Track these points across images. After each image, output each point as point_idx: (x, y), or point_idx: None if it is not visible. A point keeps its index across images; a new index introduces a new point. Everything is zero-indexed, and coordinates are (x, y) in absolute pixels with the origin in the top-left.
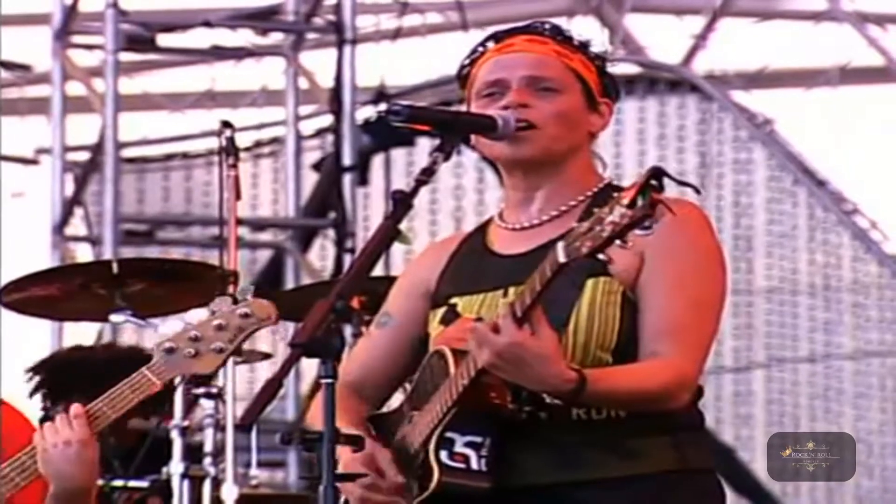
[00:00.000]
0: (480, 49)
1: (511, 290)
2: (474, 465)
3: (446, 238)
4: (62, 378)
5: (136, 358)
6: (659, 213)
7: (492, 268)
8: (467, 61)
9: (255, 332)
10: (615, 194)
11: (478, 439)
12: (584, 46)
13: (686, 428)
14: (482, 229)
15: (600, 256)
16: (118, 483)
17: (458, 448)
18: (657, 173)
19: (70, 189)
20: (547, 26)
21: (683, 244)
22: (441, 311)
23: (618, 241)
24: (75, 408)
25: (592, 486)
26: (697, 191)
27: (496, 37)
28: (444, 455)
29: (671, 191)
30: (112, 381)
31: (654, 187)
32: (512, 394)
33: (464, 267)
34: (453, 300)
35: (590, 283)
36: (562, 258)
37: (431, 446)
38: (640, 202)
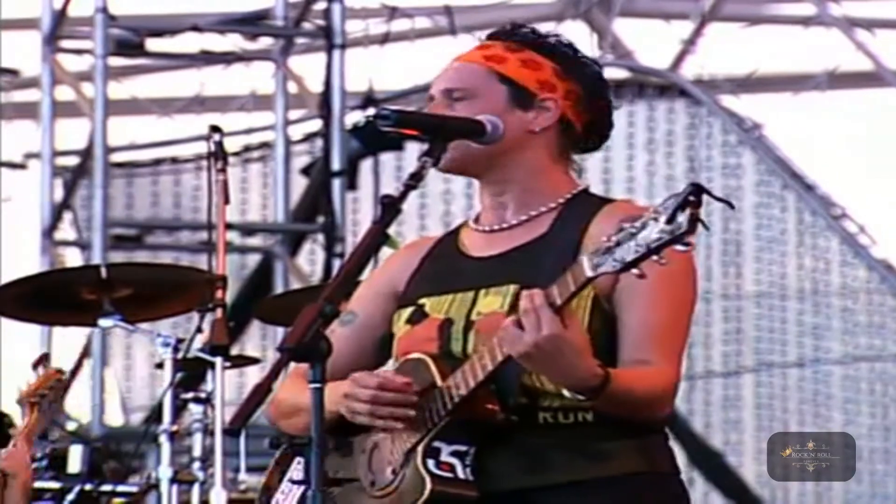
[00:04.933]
0: None
1: (481, 292)
2: (460, 473)
3: (417, 240)
4: None
5: None
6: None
7: (462, 269)
8: None
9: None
10: (650, 208)
11: (463, 448)
12: (535, 44)
13: (652, 432)
14: (455, 232)
15: (634, 271)
16: (106, 488)
17: (444, 457)
18: (697, 189)
19: (59, 194)
20: (512, 28)
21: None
22: (408, 311)
23: (654, 257)
24: None
25: (561, 490)
26: (731, 206)
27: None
28: (431, 464)
29: (661, 195)
30: None
31: (693, 203)
32: (500, 402)
33: (434, 269)
34: (422, 301)
35: None
36: (589, 272)
37: (419, 456)
38: (679, 218)
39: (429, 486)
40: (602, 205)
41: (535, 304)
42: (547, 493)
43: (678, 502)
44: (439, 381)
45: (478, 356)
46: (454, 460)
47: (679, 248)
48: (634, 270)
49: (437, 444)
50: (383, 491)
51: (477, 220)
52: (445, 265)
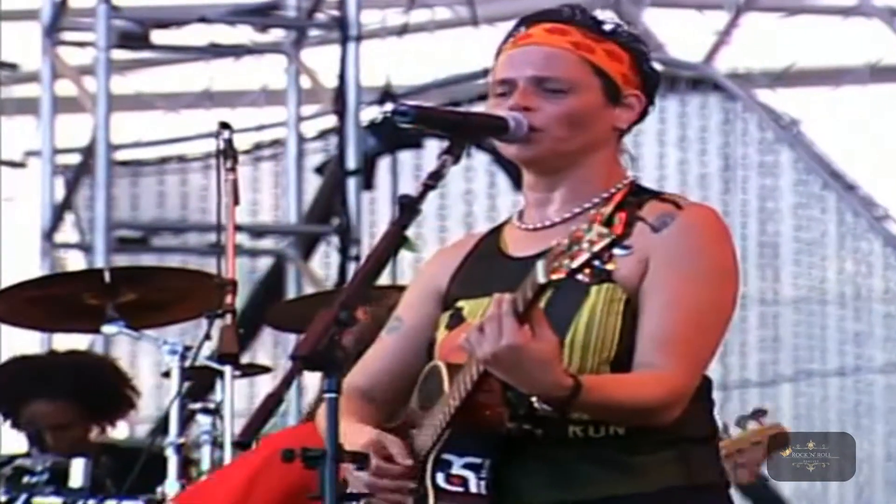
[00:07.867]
0: (511, 36)
1: None
2: (473, 487)
3: (461, 239)
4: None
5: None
6: (635, 231)
7: (501, 270)
8: (498, 50)
9: None
10: (592, 211)
11: (477, 460)
12: (613, 33)
13: (693, 440)
14: (498, 230)
15: (579, 277)
16: (111, 502)
17: (456, 470)
18: (635, 190)
19: (60, 193)
20: (577, 12)
21: (689, 251)
22: (448, 314)
23: (596, 262)
24: None
25: None
26: (679, 206)
27: (527, 22)
28: (440, 478)
29: (693, 195)
30: (70, 383)
31: (631, 204)
32: (509, 411)
33: (474, 269)
34: (460, 304)
35: (593, 289)
36: (541, 279)
37: (427, 469)
38: (615, 220)
39: (431, 501)
40: (647, 200)
41: (500, 310)
42: None
43: None
44: (446, 390)
45: (468, 365)
46: (468, 473)
47: (618, 251)
48: (581, 276)
49: (447, 455)
50: None
51: (521, 216)
52: (485, 266)
